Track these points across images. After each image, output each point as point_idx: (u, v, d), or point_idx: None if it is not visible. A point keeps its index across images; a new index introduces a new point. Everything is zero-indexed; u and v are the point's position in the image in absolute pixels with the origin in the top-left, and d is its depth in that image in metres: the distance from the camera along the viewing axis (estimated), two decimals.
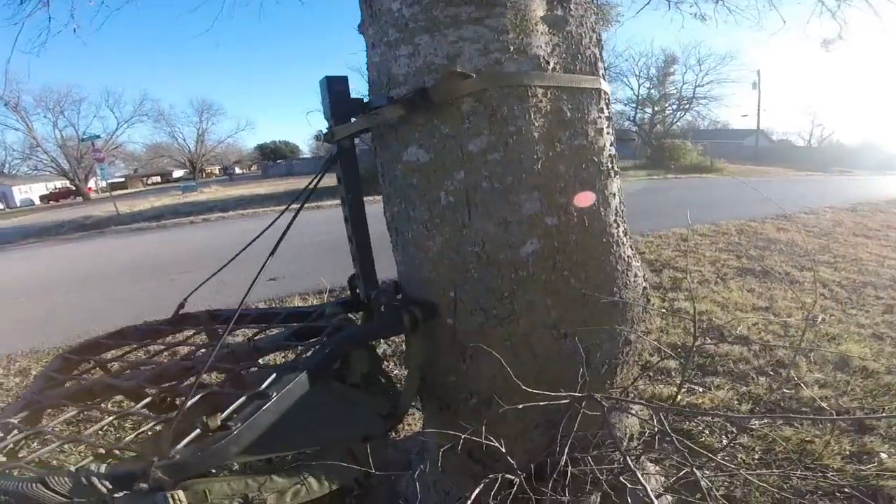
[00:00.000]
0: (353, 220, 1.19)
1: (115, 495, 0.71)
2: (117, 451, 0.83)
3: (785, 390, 2.28)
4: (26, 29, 3.88)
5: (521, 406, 1.12)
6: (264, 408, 0.85)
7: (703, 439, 1.97)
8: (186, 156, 43.13)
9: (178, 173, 46.38)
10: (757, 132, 30.48)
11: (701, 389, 2.42)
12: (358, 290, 1.30)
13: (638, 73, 30.06)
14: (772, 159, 27.60)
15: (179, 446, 0.77)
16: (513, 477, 1.13)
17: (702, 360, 2.70)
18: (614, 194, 1.27)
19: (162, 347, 1.47)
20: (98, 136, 17.77)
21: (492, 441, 1.10)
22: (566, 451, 1.15)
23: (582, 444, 1.27)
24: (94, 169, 25.80)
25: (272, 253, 1.07)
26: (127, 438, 0.89)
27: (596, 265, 1.22)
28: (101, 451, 0.82)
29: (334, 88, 1.11)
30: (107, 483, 0.71)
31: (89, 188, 34.44)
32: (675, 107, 29.03)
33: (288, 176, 32.25)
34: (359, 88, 1.20)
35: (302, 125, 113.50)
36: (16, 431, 0.93)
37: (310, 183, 1.18)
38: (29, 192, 37.83)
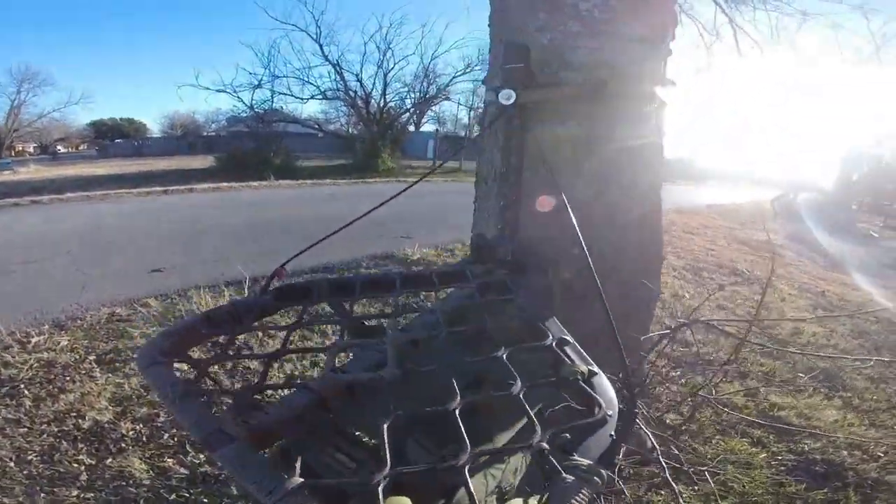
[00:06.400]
0: (509, 177, 1.32)
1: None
2: None
3: None
4: None
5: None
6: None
7: None
8: None
9: None
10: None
11: None
12: (482, 249, 1.42)
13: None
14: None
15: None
16: None
17: None
18: None
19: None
20: None
21: None
22: None
23: None
24: None
25: (349, 224, 1.14)
26: None
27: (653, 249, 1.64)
28: None
29: (516, 56, 1.23)
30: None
31: None
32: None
33: (136, 156, 26.77)
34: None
35: (151, 102, 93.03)
36: None
37: (456, 150, 1.24)
38: None
